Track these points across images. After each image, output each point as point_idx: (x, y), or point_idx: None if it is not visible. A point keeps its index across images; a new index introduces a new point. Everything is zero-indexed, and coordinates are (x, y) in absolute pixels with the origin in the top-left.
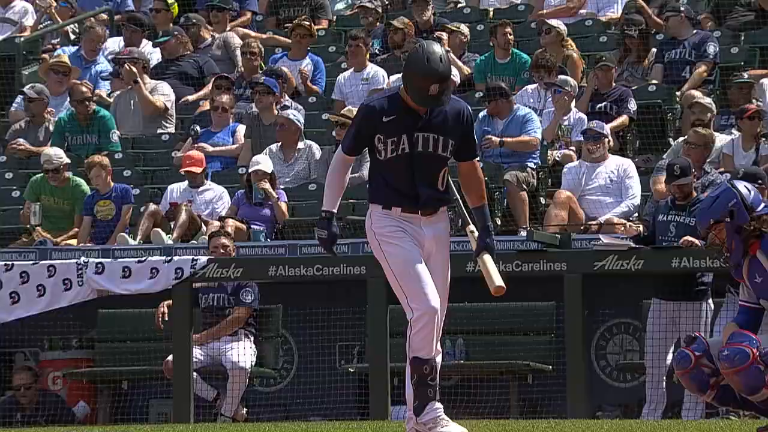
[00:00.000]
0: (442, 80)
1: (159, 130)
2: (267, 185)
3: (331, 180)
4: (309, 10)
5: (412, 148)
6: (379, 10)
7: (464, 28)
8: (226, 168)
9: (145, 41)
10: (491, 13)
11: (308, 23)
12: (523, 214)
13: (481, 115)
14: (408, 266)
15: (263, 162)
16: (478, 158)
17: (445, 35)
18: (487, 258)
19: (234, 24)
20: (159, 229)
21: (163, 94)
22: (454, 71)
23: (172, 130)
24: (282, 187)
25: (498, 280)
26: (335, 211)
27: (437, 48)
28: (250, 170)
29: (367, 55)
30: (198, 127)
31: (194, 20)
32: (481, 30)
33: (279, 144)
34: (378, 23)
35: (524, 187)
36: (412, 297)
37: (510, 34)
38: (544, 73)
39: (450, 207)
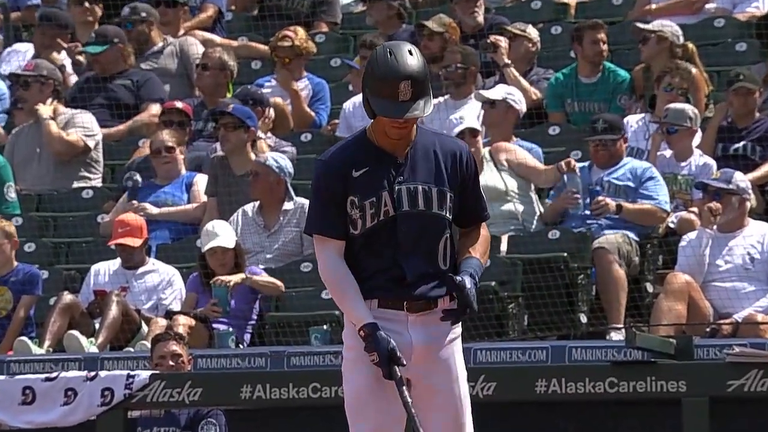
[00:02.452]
0: (412, 77)
1: (77, 183)
2: (230, 280)
3: (335, 279)
4: (309, 4)
5: (396, 209)
6: (406, 3)
7: (532, 31)
8: (178, 239)
9: (64, 54)
10: (573, 8)
11: (292, 38)
12: (620, 305)
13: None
14: (359, 404)
15: (221, 232)
16: (487, 217)
17: (503, 42)
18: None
19: (191, 25)
20: (76, 332)
21: (83, 127)
22: (516, 94)
23: (98, 182)
24: (262, 266)
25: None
26: (373, 320)
27: (403, 44)
28: (203, 248)
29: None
30: (138, 177)
31: (143, 14)
32: (557, 34)
33: (256, 204)
34: (402, 24)
35: (622, 262)
36: None
37: (603, 42)
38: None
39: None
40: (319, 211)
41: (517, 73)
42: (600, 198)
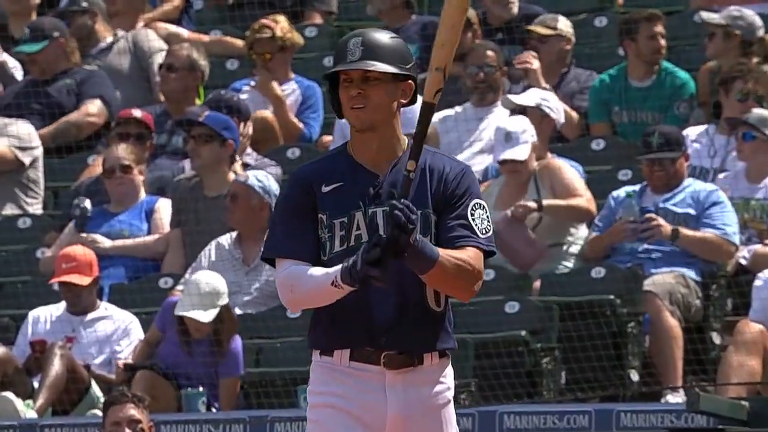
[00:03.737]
0: (364, 36)
1: (11, 209)
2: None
3: (294, 278)
4: None
5: (371, 234)
6: None
7: (564, 26)
8: (136, 278)
9: None
10: None
11: (272, 28)
12: (676, 361)
13: (626, 190)
14: None
15: (199, 314)
16: (473, 245)
17: (533, 61)
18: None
19: (151, 16)
20: (10, 393)
21: (17, 137)
22: (552, 100)
23: (37, 209)
24: (239, 311)
25: None
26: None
27: (375, 28)
28: (179, 312)
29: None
30: (88, 204)
31: (84, 3)
32: (601, 26)
33: (233, 234)
34: (412, 15)
35: (679, 311)
36: None
37: (662, 36)
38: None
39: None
40: (281, 230)
41: (543, 80)
42: (651, 215)
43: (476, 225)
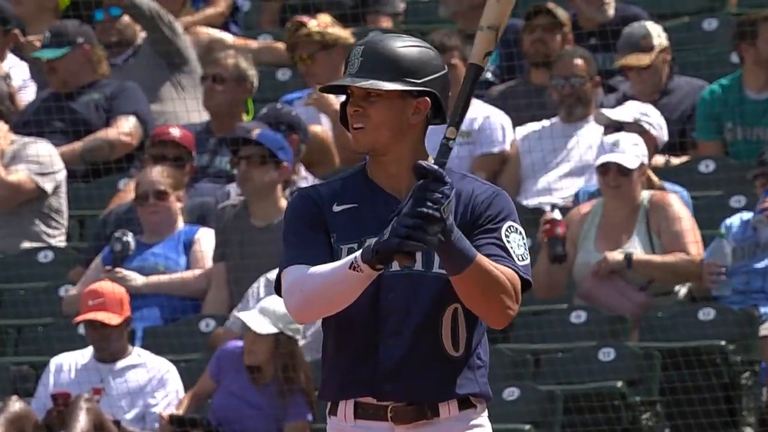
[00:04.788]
0: (367, 46)
1: (31, 242)
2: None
3: (301, 280)
4: None
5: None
6: None
7: (655, 34)
8: (173, 320)
9: (11, 56)
10: None
11: (305, 24)
12: None
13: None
14: None
15: (254, 321)
16: (513, 268)
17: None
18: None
19: (194, 20)
20: None
21: (36, 162)
22: (654, 115)
23: (60, 241)
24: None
25: None
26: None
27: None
28: (238, 314)
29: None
30: (131, 239)
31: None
32: (711, 30)
33: None
34: None
35: None
36: None
37: None
38: None
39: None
40: (286, 246)
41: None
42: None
43: (512, 249)
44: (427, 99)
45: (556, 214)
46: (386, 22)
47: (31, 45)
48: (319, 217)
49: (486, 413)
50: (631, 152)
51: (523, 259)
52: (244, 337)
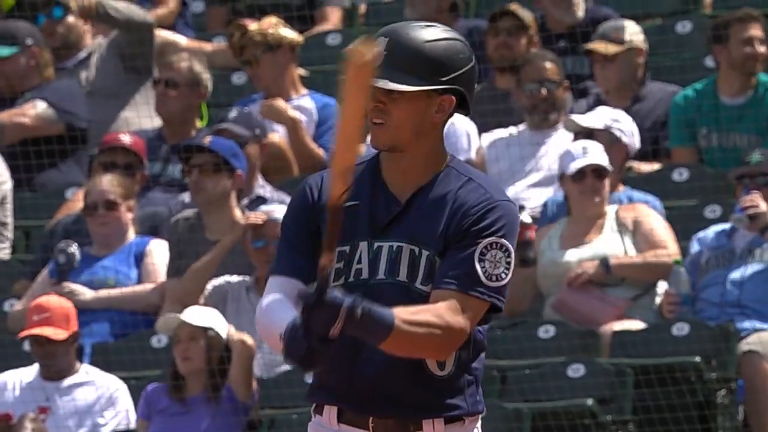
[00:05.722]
0: (393, 34)
1: None
2: None
3: (262, 321)
4: None
5: (371, 272)
6: None
7: (632, 33)
8: (123, 335)
9: None
10: None
11: (244, 26)
12: None
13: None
14: None
15: (188, 315)
16: (470, 294)
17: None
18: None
19: None
20: None
21: None
22: (626, 122)
23: (5, 253)
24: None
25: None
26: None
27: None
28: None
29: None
30: (76, 250)
31: (64, 8)
32: (684, 32)
33: (247, 279)
34: (458, 19)
35: None
36: None
37: (761, 41)
38: None
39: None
40: (282, 250)
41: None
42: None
43: (483, 269)
44: (452, 97)
45: (525, 217)
46: (335, 17)
47: None
48: (312, 213)
49: (477, 426)
50: (602, 157)
51: (495, 280)
52: (175, 345)
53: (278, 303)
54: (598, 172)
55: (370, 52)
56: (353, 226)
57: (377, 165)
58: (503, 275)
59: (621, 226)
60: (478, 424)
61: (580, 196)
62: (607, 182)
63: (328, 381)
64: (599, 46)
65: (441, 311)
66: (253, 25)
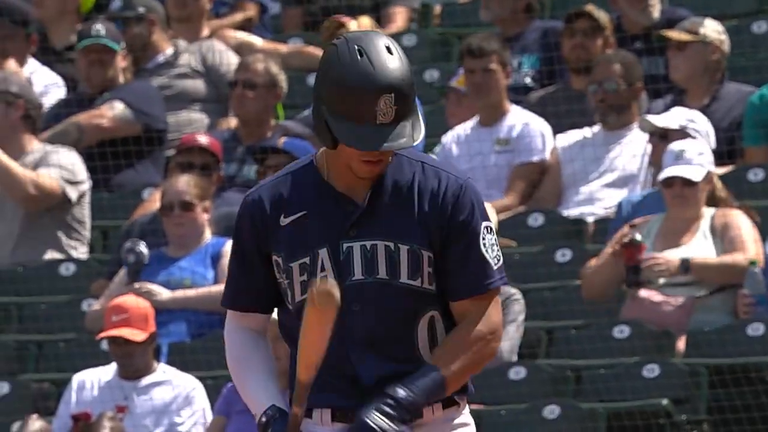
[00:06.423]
0: (396, 88)
1: (52, 253)
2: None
3: (235, 366)
4: None
5: (342, 278)
6: None
7: (711, 30)
8: (200, 335)
9: (32, 61)
10: None
11: (345, 26)
12: None
13: None
14: None
15: None
16: (492, 288)
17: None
18: None
19: (221, 23)
20: None
21: (63, 168)
22: (701, 122)
23: (83, 253)
24: None
25: None
26: (278, 403)
27: (375, 37)
28: None
29: (505, 88)
30: (144, 249)
31: (141, 9)
32: (760, 32)
33: None
34: (530, 18)
35: None
36: None
37: None
38: None
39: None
40: (230, 273)
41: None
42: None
43: (490, 256)
44: None
45: (638, 237)
46: (401, 19)
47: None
48: (262, 236)
49: (468, 409)
50: (696, 162)
51: (498, 261)
52: None
53: (248, 357)
54: (686, 181)
55: (335, 293)
56: (306, 236)
57: (315, 171)
58: (500, 254)
59: (713, 231)
60: (467, 410)
61: (671, 201)
62: (699, 188)
63: (320, 388)
64: (670, 34)
65: (474, 325)
66: (352, 23)
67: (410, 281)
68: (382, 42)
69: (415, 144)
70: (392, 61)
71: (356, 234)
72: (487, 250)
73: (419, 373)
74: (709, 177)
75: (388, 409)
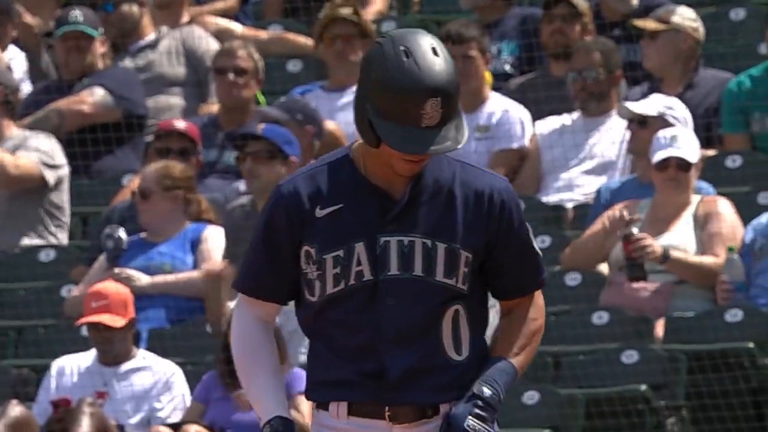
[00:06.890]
0: (443, 91)
1: (32, 239)
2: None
3: (244, 351)
4: None
5: (377, 271)
6: None
7: (685, 18)
8: (179, 321)
9: (12, 50)
10: None
11: (354, 7)
12: None
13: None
14: None
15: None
16: (539, 287)
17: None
18: None
19: (200, 10)
20: None
21: (42, 152)
22: (679, 109)
23: (63, 238)
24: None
25: None
26: (283, 414)
27: (421, 36)
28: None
29: (487, 77)
30: (123, 234)
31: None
32: (737, 20)
33: None
34: (509, 4)
35: None
36: None
37: None
38: None
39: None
40: (251, 258)
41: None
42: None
43: (537, 260)
44: None
45: (635, 230)
46: (378, 5)
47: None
48: (297, 227)
49: None
50: (689, 148)
51: (540, 262)
52: None
53: (259, 342)
54: (682, 163)
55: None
56: (342, 229)
57: (352, 164)
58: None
59: (696, 219)
60: None
61: (663, 184)
62: (692, 173)
63: (335, 376)
64: (643, 23)
65: (531, 314)
66: (365, 22)
67: (445, 279)
68: (428, 42)
69: (459, 147)
70: (438, 63)
71: (394, 229)
72: (535, 245)
73: (495, 369)
74: (698, 166)
75: (480, 411)
